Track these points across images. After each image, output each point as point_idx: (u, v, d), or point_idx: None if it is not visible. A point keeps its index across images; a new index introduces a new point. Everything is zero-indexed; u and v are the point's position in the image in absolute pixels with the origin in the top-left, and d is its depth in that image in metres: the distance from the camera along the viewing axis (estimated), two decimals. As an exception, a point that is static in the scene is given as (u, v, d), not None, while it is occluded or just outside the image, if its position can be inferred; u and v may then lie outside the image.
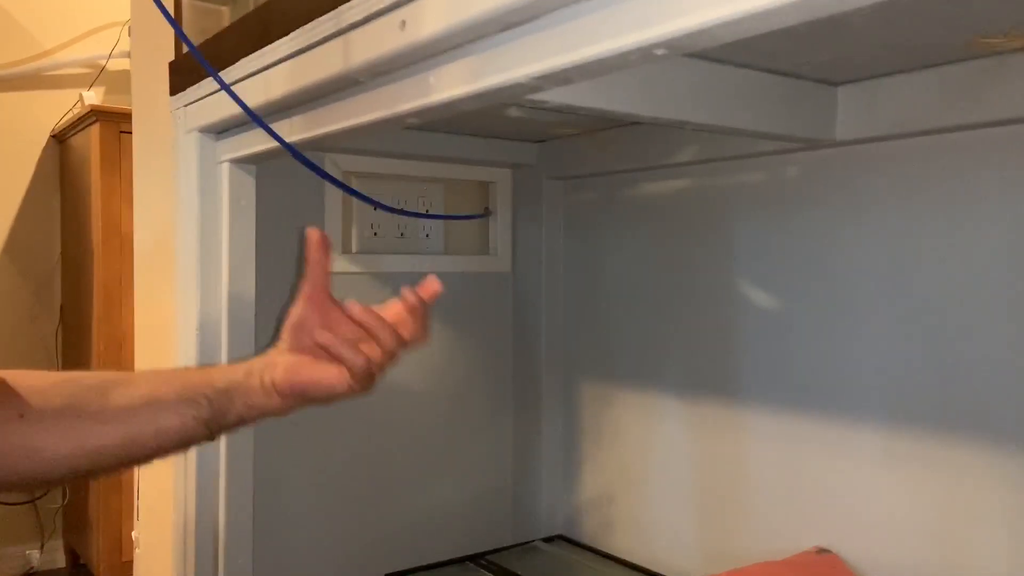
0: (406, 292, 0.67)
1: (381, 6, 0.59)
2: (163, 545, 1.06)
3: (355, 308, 0.65)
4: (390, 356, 0.66)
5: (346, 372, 0.65)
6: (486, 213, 1.21)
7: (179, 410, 0.64)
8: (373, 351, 0.65)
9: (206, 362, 0.95)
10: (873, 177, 0.81)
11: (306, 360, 0.67)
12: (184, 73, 0.97)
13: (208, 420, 0.65)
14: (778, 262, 0.90)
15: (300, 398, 0.67)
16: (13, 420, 0.61)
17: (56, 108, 2.50)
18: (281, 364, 0.67)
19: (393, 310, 0.68)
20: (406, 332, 0.67)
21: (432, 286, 0.69)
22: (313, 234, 0.67)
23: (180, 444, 0.66)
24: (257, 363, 0.68)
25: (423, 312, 0.67)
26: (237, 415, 0.67)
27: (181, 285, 0.99)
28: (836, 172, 0.85)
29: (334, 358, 0.65)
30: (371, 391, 0.66)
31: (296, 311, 0.68)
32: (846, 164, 0.83)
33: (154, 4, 0.79)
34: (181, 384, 0.66)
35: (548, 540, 1.17)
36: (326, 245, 0.68)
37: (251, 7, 0.85)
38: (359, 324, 0.65)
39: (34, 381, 0.63)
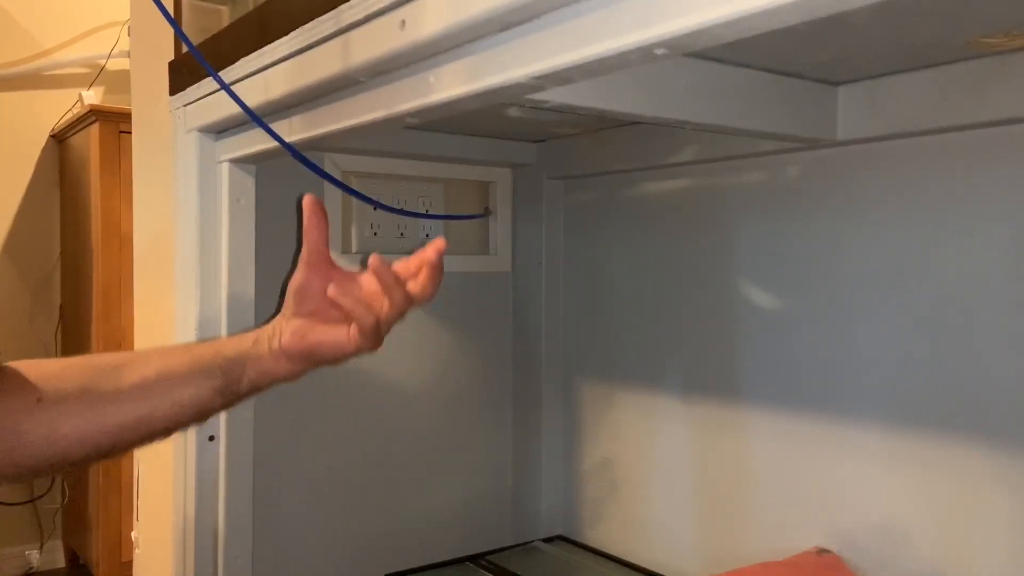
0: (423, 250, 0.67)
1: (381, 6, 0.59)
2: (163, 545, 1.06)
3: (375, 260, 0.64)
4: (399, 313, 0.66)
5: (354, 330, 0.65)
6: (486, 213, 1.21)
7: (193, 381, 0.66)
8: (382, 308, 0.65)
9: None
10: (874, 177, 0.81)
11: (312, 323, 0.67)
12: (184, 73, 0.97)
13: (222, 388, 0.66)
14: (778, 262, 0.90)
15: (309, 360, 0.67)
16: (31, 406, 0.62)
17: (56, 108, 2.50)
18: (288, 329, 0.67)
19: (403, 266, 0.68)
20: (416, 289, 0.67)
21: (439, 244, 0.68)
22: (308, 200, 0.67)
23: (197, 415, 0.67)
24: (264, 331, 0.69)
25: (434, 270, 0.67)
26: (250, 382, 0.67)
27: (180, 285, 0.99)
28: (836, 172, 0.84)
29: (344, 315, 0.65)
30: (377, 349, 0.66)
31: (297, 277, 0.68)
32: (846, 164, 0.83)
33: (154, 4, 0.79)
34: (192, 357, 0.67)
35: (548, 540, 1.17)
36: (321, 210, 0.68)
37: (251, 7, 0.85)
38: (376, 277, 0.64)
39: (47, 368, 0.65)
